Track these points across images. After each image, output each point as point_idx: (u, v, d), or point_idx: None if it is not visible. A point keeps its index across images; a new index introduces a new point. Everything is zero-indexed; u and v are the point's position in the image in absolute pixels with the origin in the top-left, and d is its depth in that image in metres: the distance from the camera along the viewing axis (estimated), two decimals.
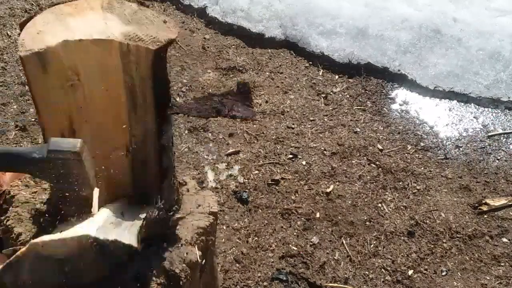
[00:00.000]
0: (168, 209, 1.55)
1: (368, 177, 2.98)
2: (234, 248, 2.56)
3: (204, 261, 1.62)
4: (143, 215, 1.44)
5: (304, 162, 3.03)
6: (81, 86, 1.30)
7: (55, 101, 1.32)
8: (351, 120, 3.35)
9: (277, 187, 2.87)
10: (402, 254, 2.61)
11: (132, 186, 1.52)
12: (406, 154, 3.14)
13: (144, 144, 1.44)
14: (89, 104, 1.34)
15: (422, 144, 3.23)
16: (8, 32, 3.68)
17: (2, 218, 1.57)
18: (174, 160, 1.59)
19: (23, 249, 1.17)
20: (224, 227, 2.65)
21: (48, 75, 1.27)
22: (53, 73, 1.26)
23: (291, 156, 3.06)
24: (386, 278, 2.50)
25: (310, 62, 3.82)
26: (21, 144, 2.90)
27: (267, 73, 3.68)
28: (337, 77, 3.71)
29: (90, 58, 1.26)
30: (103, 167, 1.45)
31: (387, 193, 2.90)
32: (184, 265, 1.51)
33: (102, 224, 1.27)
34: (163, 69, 1.37)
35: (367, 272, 2.52)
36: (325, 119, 3.34)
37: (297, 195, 2.84)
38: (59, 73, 1.27)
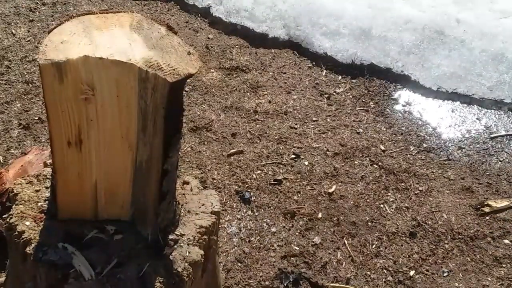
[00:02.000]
0: (163, 228, 1.56)
1: (371, 177, 2.98)
2: (236, 248, 2.57)
3: (206, 260, 1.63)
4: None
5: (306, 163, 3.03)
6: (94, 100, 1.30)
7: (67, 111, 1.32)
8: (354, 121, 3.35)
9: (279, 187, 2.87)
10: (403, 254, 2.61)
11: (130, 201, 1.53)
12: (408, 155, 3.15)
13: (148, 165, 1.44)
14: (100, 119, 1.34)
15: (424, 145, 3.23)
16: (13, 31, 3.69)
17: (5, 216, 1.58)
18: (176, 184, 1.60)
19: None
20: (226, 227, 2.66)
21: (63, 86, 1.27)
22: (69, 84, 1.27)
23: (293, 156, 3.06)
24: (388, 278, 2.51)
25: (314, 63, 3.83)
26: (24, 143, 2.91)
27: (270, 73, 3.68)
28: (340, 77, 3.71)
29: (108, 76, 1.27)
30: (104, 176, 1.46)
31: (389, 194, 2.91)
32: (186, 264, 1.51)
33: None
34: (178, 100, 1.36)
35: (368, 273, 2.53)
36: (328, 120, 3.34)
37: (299, 195, 2.84)
38: (74, 85, 1.27)
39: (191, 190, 1.77)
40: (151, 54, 1.29)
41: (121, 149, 1.41)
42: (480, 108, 3.57)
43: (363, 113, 3.42)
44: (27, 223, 1.53)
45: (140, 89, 1.29)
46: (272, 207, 2.77)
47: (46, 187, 1.66)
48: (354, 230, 2.70)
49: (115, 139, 1.39)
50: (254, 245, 2.59)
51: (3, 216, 1.60)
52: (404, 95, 3.62)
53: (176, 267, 1.49)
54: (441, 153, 3.19)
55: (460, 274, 2.55)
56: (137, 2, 4.21)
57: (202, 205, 1.71)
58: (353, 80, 3.69)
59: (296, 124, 3.28)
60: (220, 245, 2.54)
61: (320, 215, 2.75)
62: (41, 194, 1.64)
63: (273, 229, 2.67)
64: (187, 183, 1.80)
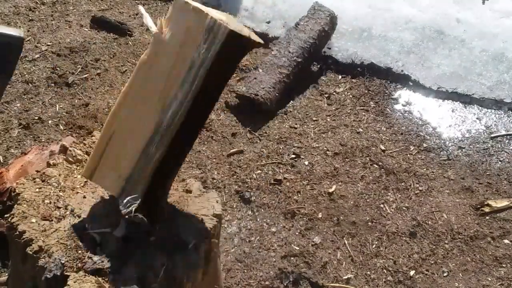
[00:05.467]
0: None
1: (371, 177, 2.98)
2: (236, 248, 2.57)
3: (207, 263, 1.63)
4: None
5: (306, 162, 3.04)
6: (160, 40, 1.44)
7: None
8: (354, 121, 3.35)
9: (279, 187, 2.87)
10: (403, 254, 2.62)
11: (128, 174, 1.53)
12: (408, 155, 3.15)
13: (162, 140, 1.49)
14: (154, 65, 1.47)
15: (424, 145, 3.23)
16: None
17: (7, 215, 1.58)
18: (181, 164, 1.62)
19: None
20: (226, 227, 2.66)
21: None
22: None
23: (293, 156, 3.06)
24: (388, 278, 2.51)
25: (314, 62, 3.82)
26: (24, 143, 2.91)
27: None
28: (340, 77, 3.71)
29: (183, 20, 1.42)
30: (123, 132, 1.52)
31: (389, 193, 2.91)
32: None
33: None
34: (221, 72, 1.47)
35: (368, 272, 2.53)
36: (328, 119, 3.34)
37: (299, 195, 2.84)
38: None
39: (193, 192, 1.77)
40: (222, 17, 1.43)
41: (153, 108, 1.47)
42: (480, 107, 3.57)
43: (363, 113, 3.42)
44: (29, 223, 1.53)
45: (201, 41, 1.41)
46: (272, 207, 2.78)
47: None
48: (354, 230, 2.70)
49: (154, 94, 1.46)
50: (254, 245, 2.59)
51: (5, 216, 1.60)
52: (404, 94, 3.62)
53: (176, 270, 1.49)
54: (441, 153, 3.19)
55: (460, 274, 2.56)
56: (136, 1, 4.21)
57: (204, 207, 1.71)
58: (353, 80, 3.69)
59: (296, 124, 3.28)
60: (220, 245, 2.54)
61: (320, 215, 2.76)
62: (43, 194, 1.64)
63: (273, 229, 2.68)
64: (189, 185, 1.80)
